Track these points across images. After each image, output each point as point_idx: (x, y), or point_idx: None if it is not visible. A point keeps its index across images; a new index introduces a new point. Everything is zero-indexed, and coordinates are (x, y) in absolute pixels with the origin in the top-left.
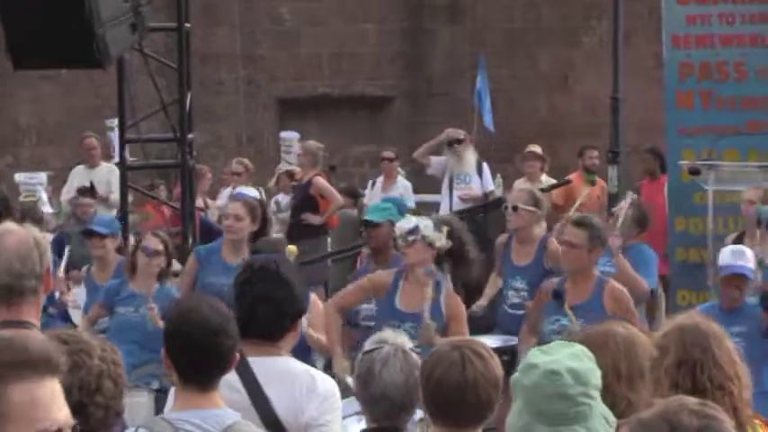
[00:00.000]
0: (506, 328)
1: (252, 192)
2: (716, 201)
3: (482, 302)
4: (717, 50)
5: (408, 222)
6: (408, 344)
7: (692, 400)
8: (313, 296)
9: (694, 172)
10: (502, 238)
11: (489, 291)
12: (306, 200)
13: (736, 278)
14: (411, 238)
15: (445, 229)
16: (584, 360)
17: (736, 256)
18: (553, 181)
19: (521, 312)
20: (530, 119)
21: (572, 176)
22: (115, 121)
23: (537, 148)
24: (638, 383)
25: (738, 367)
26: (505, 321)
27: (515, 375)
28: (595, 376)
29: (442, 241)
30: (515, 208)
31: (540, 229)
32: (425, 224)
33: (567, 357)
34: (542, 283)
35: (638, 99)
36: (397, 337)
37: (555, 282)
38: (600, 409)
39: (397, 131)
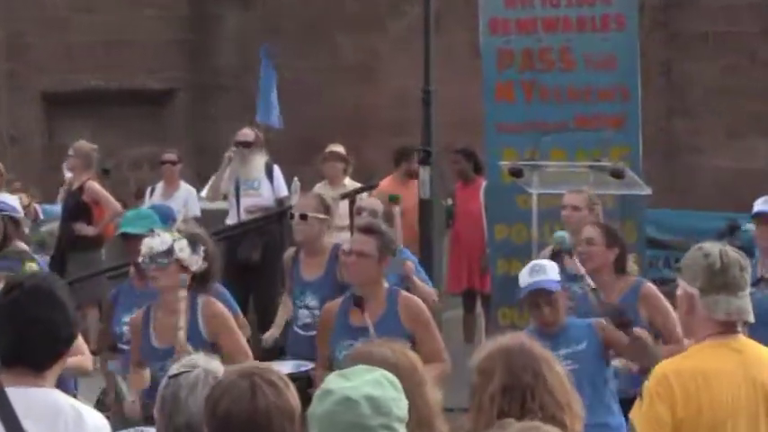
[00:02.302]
0: (297, 351)
1: (9, 199)
2: (541, 205)
3: (273, 331)
4: (540, 36)
5: (162, 243)
6: (221, 368)
7: (521, 424)
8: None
9: (516, 173)
10: (289, 251)
11: (281, 315)
12: (78, 208)
13: (539, 295)
14: (164, 261)
15: (202, 248)
16: (386, 388)
17: (534, 272)
18: (358, 184)
19: (314, 333)
20: (331, 115)
21: (386, 181)
22: None
23: (339, 148)
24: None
25: (571, 396)
26: (296, 344)
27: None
28: (399, 406)
29: (198, 264)
30: (303, 216)
31: (330, 239)
32: (181, 245)
33: (367, 384)
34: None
35: (452, 92)
36: (210, 361)
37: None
38: None
39: (181, 130)
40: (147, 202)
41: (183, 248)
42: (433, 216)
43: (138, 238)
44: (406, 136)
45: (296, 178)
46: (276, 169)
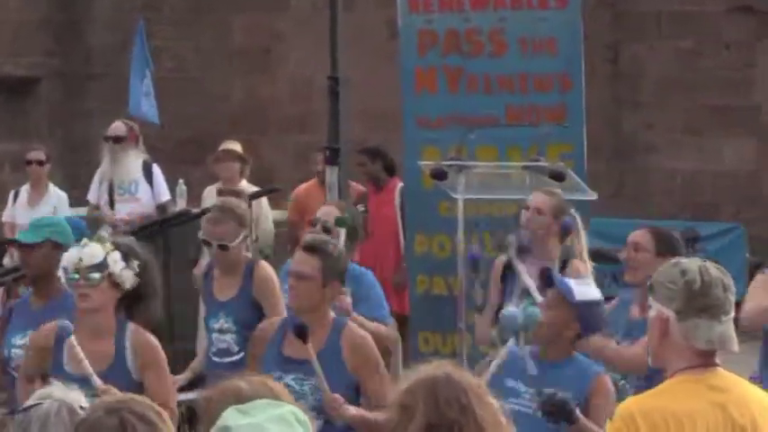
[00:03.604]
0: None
1: None
2: (468, 212)
3: (186, 374)
4: (467, 15)
5: (92, 255)
6: (84, 401)
7: None
8: None
9: (439, 175)
10: (200, 268)
11: (200, 350)
12: None
13: None
14: (96, 276)
15: (136, 262)
16: (293, 425)
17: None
18: (255, 188)
19: (229, 360)
20: (222, 107)
21: (304, 186)
22: None
23: (235, 146)
24: None
25: (505, 430)
26: (213, 374)
27: None
28: None
29: (131, 281)
30: (223, 247)
31: (244, 252)
32: (114, 258)
33: (270, 420)
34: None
35: (365, 80)
36: (68, 393)
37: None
38: None
39: (47, 123)
40: (9, 208)
41: (116, 261)
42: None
43: (34, 249)
44: (309, 131)
45: (181, 181)
46: (156, 169)
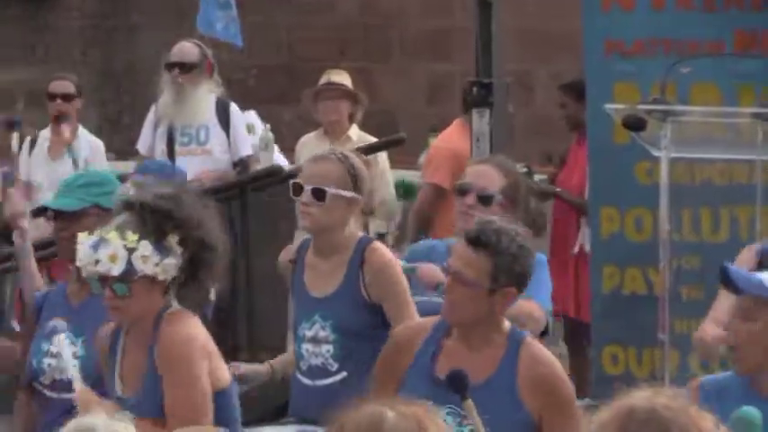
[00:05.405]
0: (302, 409)
1: None
2: (676, 178)
3: (260, 368)
4: None
5: (112, 260)
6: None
7: None
8: None
9: (636, 124)
10: (287, 252)
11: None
12: None
13: None
14: (124, 287)
15: (175, 237)
16: None
17: None
18: (371, 138)
19: (323, 383)
20: (324, 22)
21: (450, 132)
22: None
23: (343, 77)
24: None
25: None
26: (300, 399)
27: None
28: None
29: (173, 270)
30: (319, 193)
31: (354, 228)
32: (143, 253)
33: None
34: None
35: None
36: (112, 424)
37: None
38: None
39: (78, 43)
40: (24, 161)
41: (146, 257)
42: None
43: (73, 219)
44: (449, 59)
45: (266, 126)
46: (235, 111)
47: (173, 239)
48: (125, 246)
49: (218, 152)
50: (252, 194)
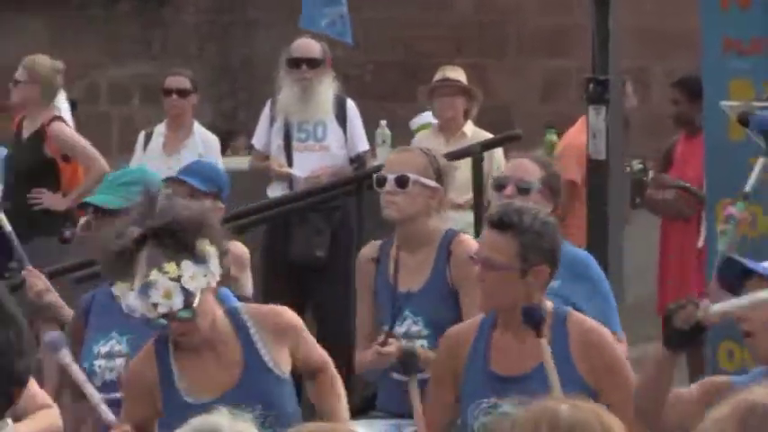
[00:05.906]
0: (390, 405)
1: None
2: None
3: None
4: None
5: (167, 296)
6: None
7: None
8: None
9: (751, 122)
10: (370, 248)
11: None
12: (37, 165)
13: None
14: (187, 314)
15: (211, 247)
16: None
17: None
18: (486, 135)
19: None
20: (441, 19)
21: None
22: None
23: (458, 74)
24: None
25: None
26: (388, 395)
27: None
28: None
29: (223, 268)
30: (402, 180)
31: (438, 222)
32: (191, 273)
33: None
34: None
35: None
36: (237, 424)
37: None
38: None
39: (194, 39)
40: (138, 156)
41: (193, 274)
42: (610, 189)
43: (113, 216)
44: (565, 56)
45: (383, 123)
46: (351, 107)
47: (202, 244)
48: (170, 278)
49: (335, 148)
50: (368, 191)
